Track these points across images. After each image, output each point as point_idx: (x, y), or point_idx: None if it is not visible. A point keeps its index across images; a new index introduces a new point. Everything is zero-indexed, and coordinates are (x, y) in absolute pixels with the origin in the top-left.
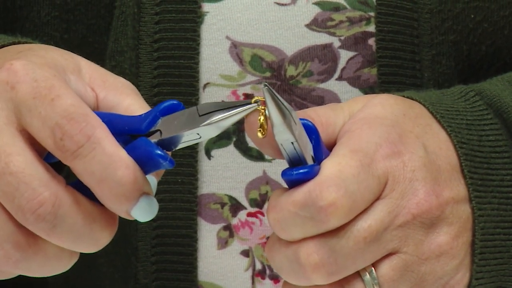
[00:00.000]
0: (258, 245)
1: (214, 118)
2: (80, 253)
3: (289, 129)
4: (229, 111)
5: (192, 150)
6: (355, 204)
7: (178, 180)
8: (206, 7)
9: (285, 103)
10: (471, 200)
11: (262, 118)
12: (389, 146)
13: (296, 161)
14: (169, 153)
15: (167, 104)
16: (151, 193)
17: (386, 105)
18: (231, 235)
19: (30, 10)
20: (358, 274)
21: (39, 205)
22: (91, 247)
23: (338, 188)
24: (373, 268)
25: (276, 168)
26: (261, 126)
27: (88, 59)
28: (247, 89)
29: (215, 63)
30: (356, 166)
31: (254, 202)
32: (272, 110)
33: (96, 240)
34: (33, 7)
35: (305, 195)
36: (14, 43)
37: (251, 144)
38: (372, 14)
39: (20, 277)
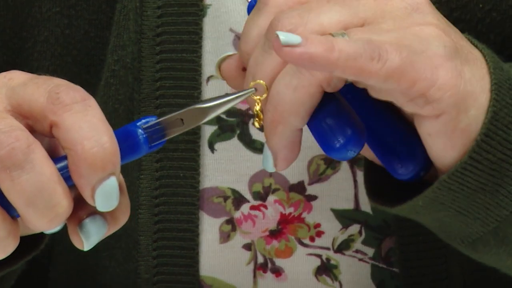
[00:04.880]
0: (260, 238)
1: (202, 104)
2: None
3: None
4: (223, 99)
5: (194, 144)
6: None
7: (180, 174)
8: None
9: None
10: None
11: (258, 107)
12: None
13: None
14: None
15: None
16: (118, 177)
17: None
18: (234, 228)
19: (32, 6)
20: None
21: None
22: None
23: None
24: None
25: None
26: (257, 115)
27: (90, 53)
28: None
29: (218, 56)
30: None
31: (257, 195)
32: None
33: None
34: (34, 2)
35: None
36: None
37: (255, 136)
38: None
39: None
